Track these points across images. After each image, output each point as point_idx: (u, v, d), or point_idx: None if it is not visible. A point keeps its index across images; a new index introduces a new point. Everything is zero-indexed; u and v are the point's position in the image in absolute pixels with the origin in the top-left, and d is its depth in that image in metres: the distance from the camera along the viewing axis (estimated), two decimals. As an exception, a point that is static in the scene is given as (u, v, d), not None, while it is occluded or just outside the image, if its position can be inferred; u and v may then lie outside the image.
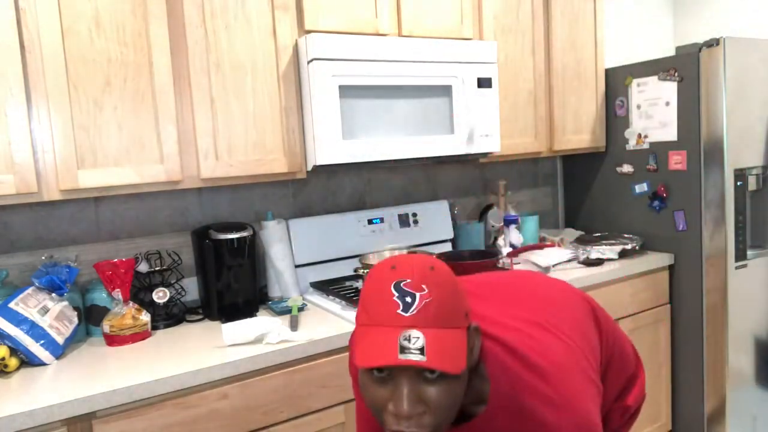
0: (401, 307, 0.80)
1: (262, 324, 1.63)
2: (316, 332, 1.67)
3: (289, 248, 2.08)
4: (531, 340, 0.95)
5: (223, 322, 1.76)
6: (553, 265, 2.33)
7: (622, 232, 2.70)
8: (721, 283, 2.33)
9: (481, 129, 2.12)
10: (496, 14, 2.31)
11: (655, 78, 2.45)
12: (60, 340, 1.58)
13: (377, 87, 1.90)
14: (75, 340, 1.71)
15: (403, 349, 0.77)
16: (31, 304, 1.57)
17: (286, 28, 1.85)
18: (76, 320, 1.66)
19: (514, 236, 2.41)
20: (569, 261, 2.40)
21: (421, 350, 0.77)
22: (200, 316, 1.93)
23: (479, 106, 2.11)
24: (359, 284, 2.09)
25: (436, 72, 2.00)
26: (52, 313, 1.59)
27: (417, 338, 0.78)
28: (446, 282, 0.83)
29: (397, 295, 0.81)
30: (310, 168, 1.92)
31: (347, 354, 1.69)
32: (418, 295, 0.80)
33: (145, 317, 1.72)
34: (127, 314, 1.69)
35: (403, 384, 0.80)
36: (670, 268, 2.49)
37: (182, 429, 1.45)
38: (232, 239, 1.87)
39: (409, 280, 0.81)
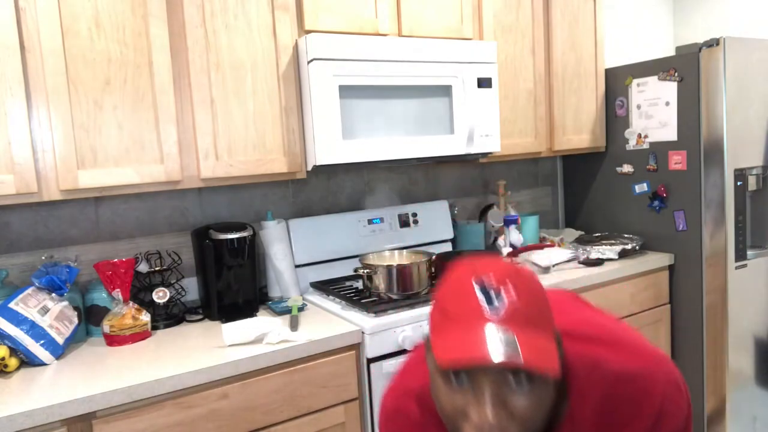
0: (487, 305, 0.71)
1: (262, 324, 1.63)
2: (316, 332, 1.67)
3: (289, 248, 2.08)
4: (584, 319, 0.90)
5: (223, 322, 1.76)
6: (553, 265, 2.33)
7: (622, 232, 2.70)
8: (721, 283, 2.33)
9: (481, 129, 2.12)
10: (496, 14, 2.31)
11: (655, 78, 2.45)
12: (60, 340, 1.58)
13: (377, 87, 1.90)
14: (75, 340, 1.71)
15: (493, 351, 0.67)
16: (31, 304, 1.57)
17: (286, 28, 1.85)
18: (76, 320, 1.66)
19: (514, 236, 2.41)
20: (569, 261, 2.40)
21: (515, 351, 0.67)
22: (200, 316, 1.93)
23: (479, 106, 2.11)
24: (359, 284, 2.09)
25: (436, 72, 2.00)
26: (52, 313, 1.59)
27: (509, 338, 0.68)
28: (533, 283, 0.75)
29: (481, 292, 0.72)
30: (310, 168, 1.92)
31: (347, 354, 1.69)
32: (504, 293, 0.72)
33: (145, 317, 1.72)
34: (127, 314, 1.69)
35: (486, 389, 0.71)
36: (670, 268, 2.49)
37: (182, 429, 1.45)
38: (232, 239, 1.87)
39: (493, 278, 0.73)
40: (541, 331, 0.72)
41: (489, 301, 0.71)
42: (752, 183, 2.37)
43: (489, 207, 2.65)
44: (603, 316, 0.93)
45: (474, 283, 0.72)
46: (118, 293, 1.71)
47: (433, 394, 0.77)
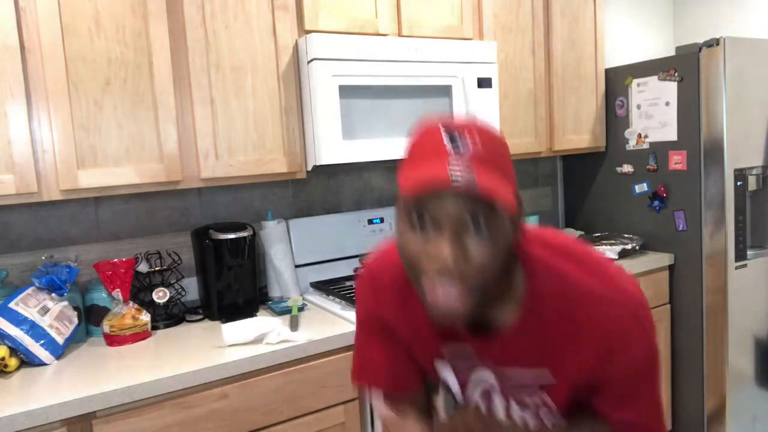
0: (451, 145, 0.73)
1: (262, 324, 1.63)
2: (316, 332, 1.67)
3: (289, 248, 2.08)
4: (563, 238, 0.91)
5: (223, 322, 1.76)
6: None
7: (622, 232, 2.70)
8: (721, 283, 2.33)
9: (481, 129, 2.12)
10: (496, 14, 2.31)
11: (655, 78, 2.45)
12: (60, 340, 1.58)
13: (377, 87, 1.90)
14: (75, 340, 1.71)
15: (455, 179, 0.70)
16: (31, 304, 1.57)
17: (286, 28, 1.85)
18: (76, 320, 1.66)
19: (514, 236, 2.41)
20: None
21: (474, 182, 0.70)
22: (200, 316, 1.93)
23: (479, 106, 2.11)
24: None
25: (436, 72, 2.00)
26: (52, 313, 1.59)
27: (469, 170, 0.71)
28: (497, 134, 0.77)
29: (446, 136, 0.74)
30: (310, 168, 1.92)
31: (347, 354, 1.69)
32: (468, 136, 0.74)
33: (145, 317, 1.72)
34: (127, 314, 1.69)
35: (446, 229, 0.73)
36: (670, 268, 2.49)
37: (182, 429, 1.45)
38: (232, 239, 1.87)
39: (459, 123, 0.76)
40: (501, 175, 0.74)
41: (453, 142, 0.74)
42: (752, 183, 2.37)
43: (489, 207, 2.65)
44: (590, 248, 0.92)
45: (441, 127, 0.75)
46: (118, 293, 1.71)
47: (399, 245, 0.79)
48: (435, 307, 0.76)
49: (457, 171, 0.70)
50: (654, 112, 2.48)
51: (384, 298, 0.96)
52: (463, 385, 0.96)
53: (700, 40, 2.36)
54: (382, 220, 2.34)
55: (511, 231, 0.78)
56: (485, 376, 0.93)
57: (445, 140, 0.74)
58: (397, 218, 0.79)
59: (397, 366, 1.00)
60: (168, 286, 1.91)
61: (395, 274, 0.94)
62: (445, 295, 0.75)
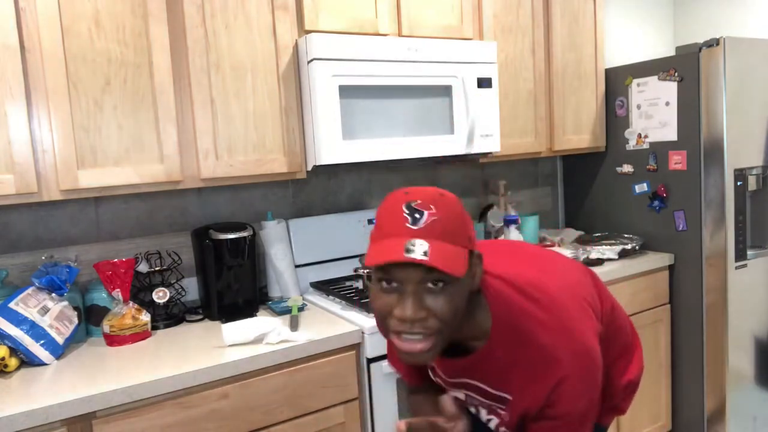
0: (410, 222, 0.89)
1: (262, 324, 1.63)
2: (316, 332, 1.67)
3: (289, 248, 2.08)
4: (530, 278, 1.04)
5: (223, 322, 1.76)
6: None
7: (622, 232, 2.70)
8: (721, 283, 2.33)
9: (481, 129, 2.12)
10: (496, 14, 2.31)
11: (655, 78, 2.45)
12: (60, 340, 1.58)
13: (377, 87, 1.90)
14: (75, 340, 1.71)
15: (408, 251, 0.86)
16: (31, 304, 1.57)
17: (286, 28, 1.85)
18: (76, 320, 1.66)
19: (514, 236, 2.41)
20: (569, 261, 2.39)
21: (425, 254, 0.86)
22: (200, 316, 1.93)
23: (479, 106, 2.11)
24: (359, 284, 2.09)
25: (436, 72, 2.00)
26: (52, 313, 1.59)
27: (422, 245, 0.87)
28: (453, 206, 0.93)
29: (407, 212, 0.90)
30: (310, 168, 1.92)
31: (347, 354, 1.69)
32: (426, 213, 0.90)
33: (145, 317, 1.72)
34: (127, 314, 1.69)
35: (408, 292, 0.89)
36: (670, 268, 2.49)
37: (182, 429, 1.45)
38: (232, 239, 1.87)
39: (419, 201, 0.91)
40: (454, 243, 0.89)
41: (413, 218, 0.89)
42: (752, 183, 2.37)
43: (489, 207, 2.65)
44: (556, 279, 1.08)
45: (403, 206, 0.91)
46: (118, 293, 1.71)
47: (371, 301, 0.95)
48: (404, 355, 0.92)
49: (413, 247, 0.86)
50: (654, 112, 2.48)
51: None
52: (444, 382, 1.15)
53: (700, 40, 2.36)
54: (382, 220, 2.33)
55: (467, 283, 0.93)
56: (458, 394, 1.13)
57: (406, 216, 0.90)
58: (371, 281, 0.95)
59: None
60: (168, 286, 1.91)
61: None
62: (410, 345, 0.91)
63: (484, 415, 1.12)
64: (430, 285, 0.89)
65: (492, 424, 1.11)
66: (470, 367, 1.05)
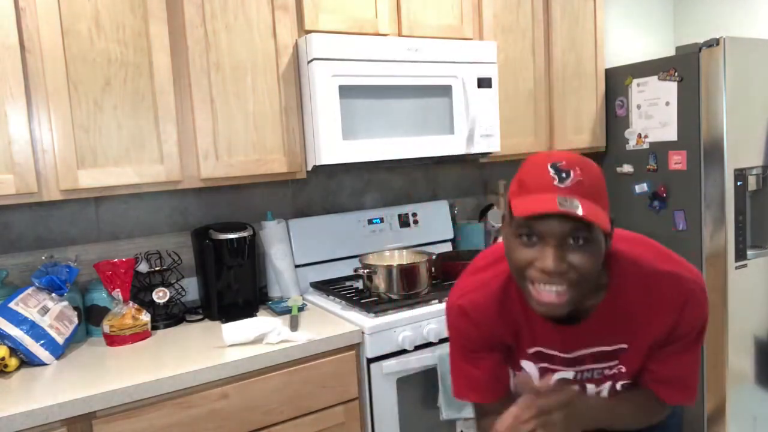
0: (557, 180, 0.92)
1: (262, 324, 1.63)
2: (316, 332, 1.67)
3: (289, 248, 2.08)
4: (643, 238, 1.14)
5: (223, 322, 1.76)
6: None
7: (622, 232, 2.69)
8: (721, 283, 2.33)
9: (481, 129, 2.12)
10: (496, 14, 2.31)
11: (655, 78, 2.45)
12: (60, 340, 1.58)
13: (377, 87, 1.90)
14: (75, 340, 1.71)
15: (562, 205, 0.89)
16: (31, 304, 1.57)
17: (286, 28, 1.85)
18: (76, 320, 1.66)
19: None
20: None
21: (578, 208, 0.89)
22: (200, 316, 1.93)
23: (479, 106, 2.11)
24: (359, 284, 2.09)
25: (436, 72, 2.00)
26: (52, 313, 1.59)
27: (573, 200, 0.90)
28: (595, 169, 0.96)
29: (553, 171, 0.93)
30: (310, 168, 1.92)
31: (347, 354, 1.69)
32: (572, 172, 0.93)
33: (145, 317, 1.72)
34: (127, 314, 1.69)
35: (552, 245, 0.92)
36: (670, 268, 2.49)
37: (182, 429, 1.45)
38: (232, 239, 1.87)
39: (564, 162, 0.94)
40: (598, 203, 0.93)
41: (560, 177, 0.92)
42: (752, 183, 2.37)
43: (489, 207, 2.65)
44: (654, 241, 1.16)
45: (548, 165, 0.94)
46: (118, 293, 1.71)
47: (508, 255, 0.98)
48: (540, 306, 0.96)
49: (565, 202, 0.90)
50: (654, 112, 2.48)
51: (483, 320, 1.12)
52: (542, 377, 1.15)
53: (700, 40, 2.36)
54: (381, 220, 2.34)
55: (604, 243, 0.97)
56: (566, 374, 1.13)
57: (553, 175, 0.93)
58: (505, 234, 1.00)
59: (495, 378, 1.17)
60: (168, 286, 1.91)
61: (487, 294, 1.11)
62: (548, 296, 0.94)
63: (592, 389, 1.14)
64: (571, 241, 0.92)
65: (603, 394, 1.14)
66: (589, 329, 1.07)
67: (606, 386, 1.14)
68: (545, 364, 1.14)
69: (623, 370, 1.11)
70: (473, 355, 1.15)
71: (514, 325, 1.12)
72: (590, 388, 1.14)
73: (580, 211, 0.88)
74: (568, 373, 1.13)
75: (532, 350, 1.13)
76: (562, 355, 1.11)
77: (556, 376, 1.14)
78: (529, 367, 1.16)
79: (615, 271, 1.05)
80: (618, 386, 1.13)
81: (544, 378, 1.10)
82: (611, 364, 1.11)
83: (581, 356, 1.11)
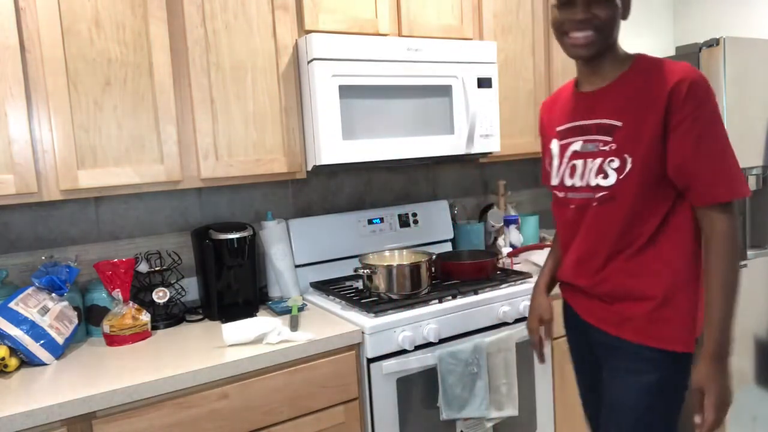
0: None
1: (262, 324, 1.63)
2: (316, 332, 1.67)
3: (289, 248, 2.08)
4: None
5: (223, 322, 1.77)
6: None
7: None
8: (721, 283, 2.33)
9: (481, 129, 2.12)
10: (496, 14, 2.31)
11: (655, 78, 2.45)
12: (60, 340, 1.58)
13: (377, 87, 1.90)
14: (75, 340, 1.71)
15: None
16: (31, 304, 1.57)
17: (286, 28, 1.85)
18: (76, 320, 1.66)
19: (514, 236, 2.41)
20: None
21: None
22: (200, 316, 1.93)
23: (479, 106, 2.11)
24: (359, 284, 2.09)
25: (436, 72, 2.00)
26: (52, 313, 1.59)
27: None
28: None
29: None
30: (310, 168, 1.92)
31: (347, 354, 1.69)
32: None
33: (145, 317, 1.73)
34: (127, 314, 1.69)
35: (579, 2, 1.27)
36: (670, 268, 2.49)
37: (182, 429, 1.45)
38: (232, 239, 1.87)
39: None
40: None
41: None
42: (752, 183, 2.37)
43: (489, 207, 2.65)
44: None
45: None
46: (118, 293, 1.71)
47: (551, 22, 1.35)
48: (573, 48, 1.31)
49: None
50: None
51: (545, 108, 1.57)
52: (561, 154, 1.43)
53: (700, 40, 2.36)
54: (382, 220, 2.34)
55: (620, 7, 1.30)
56: (576, 146, 1.38)
57: None
58: (551, 12, 1.35)
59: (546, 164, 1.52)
60: (168, 286, 1.91)
61: (553, 95, 1.54)
62: (576, 41, 1.29)
63: (590, 175, 1.34)
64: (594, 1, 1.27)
65: (607, 176, 1.31)
66: (601, 99, 1.34)
67: (597, 162, 1.33)
68: (566, 140, 1.41)
69: (614, 147, 1.29)
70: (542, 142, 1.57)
71: (556, 107, 1.48)
72: (587, 162, 1.36)
73: None
74: (578, 144, 1.38)
75: (560, 128, 1.44)
76: (578, 123, 1.38)
77: (570, 148, 1.40)
78: (554, 145, 1.45)
79: (636, 64, 1.32)
80: (605, 165, 1.31)
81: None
82: (607, 139, 1.31)
83: (589, 125, 1.36)
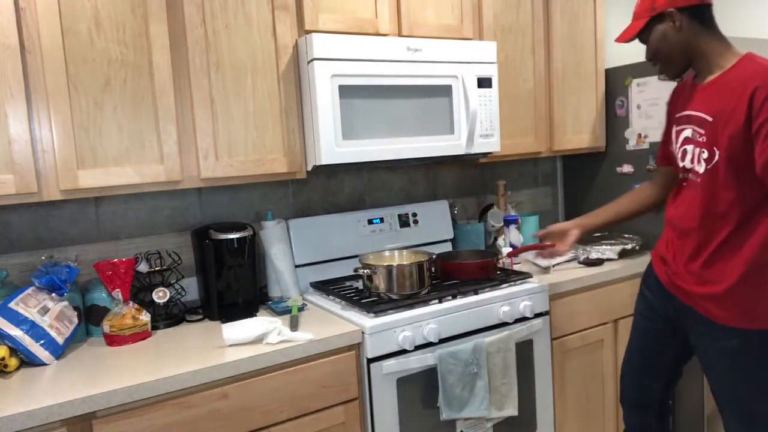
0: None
1: (262, 324, 1.63)
2: (316, 332, 1.67)
3: (289, 248, 2.08)
4: None
5: (223, 322, 1.77)
6: (553, 266, 2.33)
7: (622, 232, 2.70)
8: (721, 283, 2.33)
9: (481, 129, 2.12)
10: (496, 14, 2.31)
11: (655, 78, 2.45)
12: (60, 340, 1.58)
13: (377, 87, 1.90)
14: (75, 340, 1.71)
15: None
16: (31, 304, 1.58)
17: (286, 28, 1.85)
18: (76, 320, 1.66)
19: (514, 236, 2.41)
20: (569, 261, 2.40)
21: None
22: (200, 316, 1.93)
23: (479, 106, 2.11)
24: (359, 284, 2.09)
25: (436, 72, 2.00)
26: (52, 313, 1.59)
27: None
28: None
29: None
30: (310, 168, 1.92)
31: (347, 354, 1.69)
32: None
33: (145, 317, 1.73)
34: (127, 314, 1.69)
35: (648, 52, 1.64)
36: (670, 268, 2.49)
37: (182, 429, 1.45)
38: (232, 239, 1.87)
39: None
40: (639, 19, 1.62)
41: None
42: (752, 183, 2.37)
43: (489, 207, 2.65)
44: None
45: None
46: (118, 293, 1.71)
47: None
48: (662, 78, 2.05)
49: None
50: (654, 112, 2.48)
51: (671, 97, 1.75)
52: (677, 140, 1.65)
53: (700, 40, 2.36)
54: (382, 220, 2.34)
55: (664, 34, 1.56)
56: (687, 132, 1.60)
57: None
58: None
59: (664, 145, 1.78)
60: (168, 286, 1.91)
61: (682, 82, 1.71)
62: (659, 73, 1.84)
63: (695, 160, 1.56)
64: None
65: (700, 165, 1.54)
66: (697, 91, 1.57)
67: (697, 150, 1.55)
68: (680, 126, 1.63)
69: (704, 139, 1.51)
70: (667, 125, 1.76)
71: (680, 97, 1.68)
72: (692, 149, 1.57)
73: (618, 36, 1.65)
74: (688, 131, 1.59)
75: (679, 114, 1.64)
76: (689, 112, 1.58)
77: (683, 134, 1.61)
78: (672, 132, 1.68)
79: (737, 64, 1.48)
80: (701, 156, 1.53)
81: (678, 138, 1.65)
82: (701, 131, 1.53)
83: (695, 116, 1.55)
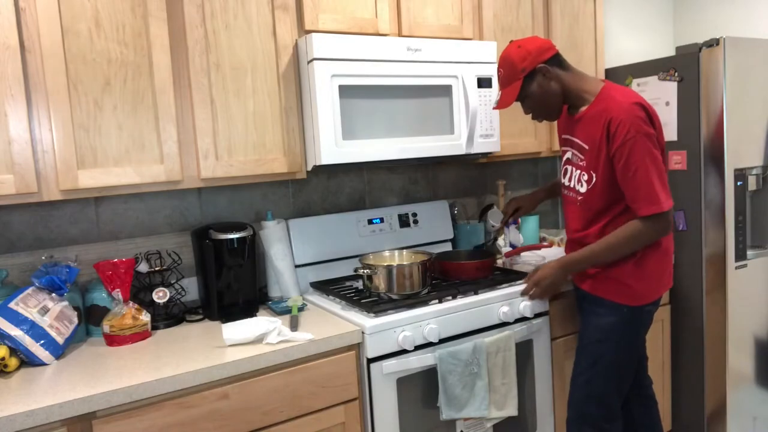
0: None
1: (262, 324, 1.63)
2: (316, 332, 1.67)
3: (289, 248, 2.08)
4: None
5: (223, 322, 1.77)
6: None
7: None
8: (721, 283, 2.33)
9: (481, 129, 2.12)
10: (496, 14, 2.31)
11: (655, 78, 2.45)
12: (60, 340, 1.58)
13: (377, 87, 1.90)
14: (75, 340, 1.71)
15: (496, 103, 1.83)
16: (31, 304, 1.58)
17: (286, 28, 1.85)
18: (76, 320, 1.66)
19: (514, 236, 2.41)
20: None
21: (496, 102, 1.82)
22: (200, 316, 1.93)
23: (479, 106, 2.11)
24: (359, 284, 2.09)
25: (436, 72, 2.00)
26: (52, 313, 1.59)
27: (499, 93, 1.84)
28: (508, 56, 1.76)
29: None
30: (310, 168, 1.92)
31: (347, 354, 1.69)
32: (500, 71, 1.80)
33: (145, 317, 1.73)
34: (127, 314, 1.69)
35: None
36: (670, 268, 2.49)
37: (182, 429, 1.45)
38: (232, 239, 1.87)
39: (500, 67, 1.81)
40: (508, 84, 1.81)
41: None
42: (752, 183, 2.37)
43: (489, 207, 2.65)
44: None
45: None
46: (118, 293, 1.71)
47: None
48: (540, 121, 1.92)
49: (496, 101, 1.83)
50: (654, 112, 2.48)
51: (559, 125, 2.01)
52: (562, 157, 1.92)
53: (700, 40, 2.36)
54: (382, 220, 2.34)
55: (541, 86, 1.76)
56: (569, 154, 1.87)
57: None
58: None
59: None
60: (168, 286, 1.91)
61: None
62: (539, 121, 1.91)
63: (575, 180, 1.83)
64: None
65: (581, 185, 1.81)
66: (574, 121, 1.81)
67: (578, 173, 1.82)
68: (564, 147, 1.90)
69: (584, 164, 1.78)
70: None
71: (562, 121, 1.92)
72: (575, 176, 1.83)
73: (494, 105, 1.84)
74: (569, 153, 1.86)
75: (564, 136, 1.90)
76: (567, 136, 1.86)
77: (566, 155, 1.88)
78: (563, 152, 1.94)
79: (597, 98, 1.75)
80: (582, 178, 1.79)
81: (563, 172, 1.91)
82: (581, 156, 1.79)
83: (575, 142, 1.81)
